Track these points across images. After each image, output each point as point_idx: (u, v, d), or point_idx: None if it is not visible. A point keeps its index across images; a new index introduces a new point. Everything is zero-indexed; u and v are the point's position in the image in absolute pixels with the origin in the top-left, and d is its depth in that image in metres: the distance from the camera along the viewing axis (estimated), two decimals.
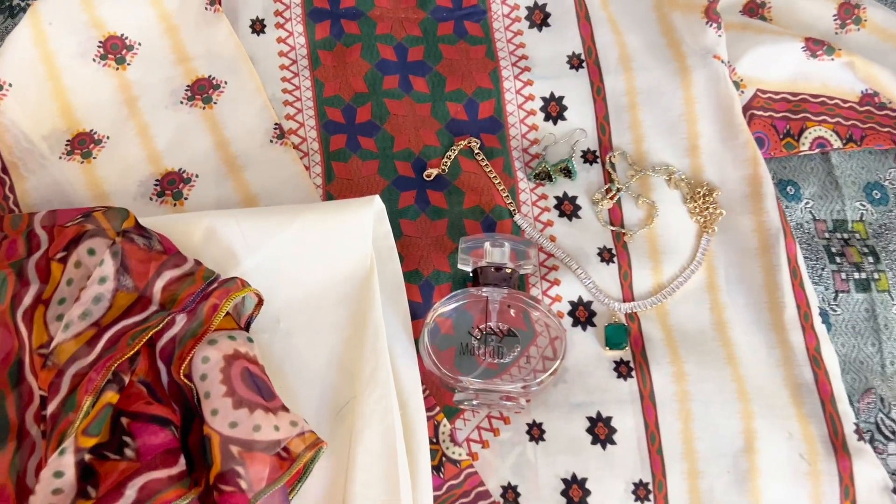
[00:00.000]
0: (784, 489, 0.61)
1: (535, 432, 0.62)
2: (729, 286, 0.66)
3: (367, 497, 0.57)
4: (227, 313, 0.60)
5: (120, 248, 0.59)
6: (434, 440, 0.62)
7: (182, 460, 0.54)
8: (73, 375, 0.54)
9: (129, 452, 0.53)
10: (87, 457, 0.52)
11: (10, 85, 0.68)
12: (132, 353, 0.54)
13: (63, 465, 0.52)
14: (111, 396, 0.53)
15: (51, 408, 0.54)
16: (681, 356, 0.64)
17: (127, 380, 0.55)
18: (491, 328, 0.62)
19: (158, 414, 0.55)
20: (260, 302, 0.61)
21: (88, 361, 0.54)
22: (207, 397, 0.55)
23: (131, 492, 0.51)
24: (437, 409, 0.62)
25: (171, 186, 0.68)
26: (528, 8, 0.77)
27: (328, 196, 0.69)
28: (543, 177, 0.69)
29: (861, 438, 0.61)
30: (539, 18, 0.76)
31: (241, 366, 0.56)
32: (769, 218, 0.67)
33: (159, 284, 0.58)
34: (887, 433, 0.63)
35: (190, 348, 0.56)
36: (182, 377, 0.56)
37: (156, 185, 0.68)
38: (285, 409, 0.56)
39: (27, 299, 0.59)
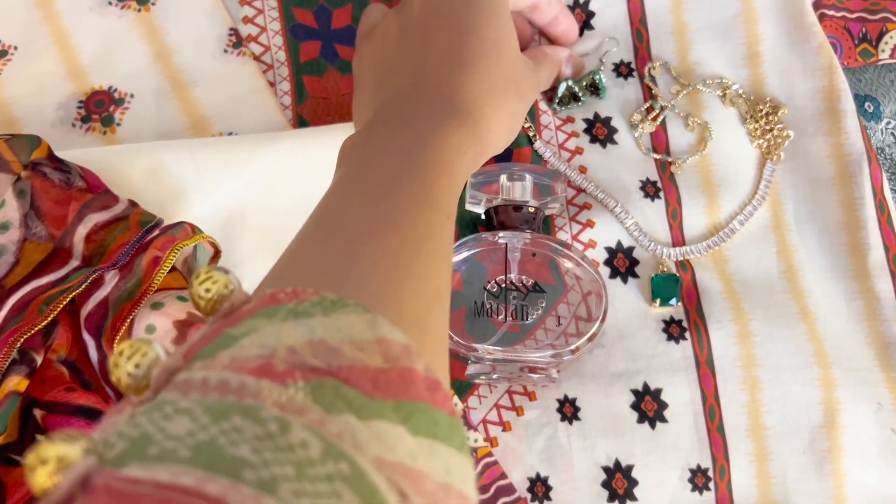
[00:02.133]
0: (873, 471, 0.50)
1: (568, 410, 0.50)
2: (799, 225, 0.54)
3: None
4: (174, 268, 0.47)
5: (28, 186, 0.45)
6: None
7: None
8: None
9: None
10: None
11: None
12: (46, 323, 0.41)
13: None
14: (17, 382, 0.40)
15: None
16: (744, 311, 0.52)
17: (40, 360, 0.41)
18: (511, 282, 0.50)
19: (84, 404, 0.41)
20: (216, 254, 0.48)
21: None
22: None
23: None
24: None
25: (100, 109, 0.54)
26: None
27: (299, 119, 0.55)
28: (567, 101, 0.56)
29: None
30: None
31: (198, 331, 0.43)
32: (849, 140, 0.54)
33: (82, 232, 0.44)
34: None
35: (126, 313, 0.42)
36: None
37: (79, 107, 0.54)
38: None
39: None
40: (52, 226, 0.44)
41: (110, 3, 0.56)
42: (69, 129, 0.54)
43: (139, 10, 0.56)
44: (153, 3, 0.56)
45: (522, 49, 0.50)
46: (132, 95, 0.55)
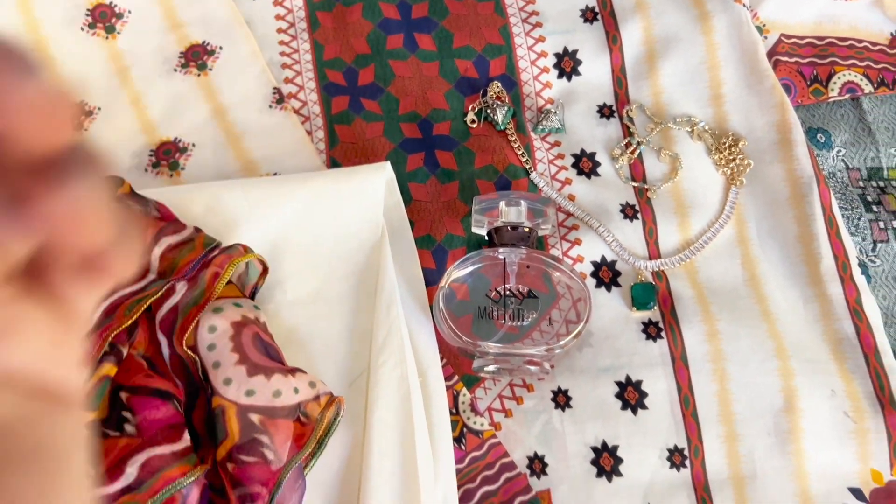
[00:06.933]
0: (829, 449, 0.57)
1: (561, 399, 0.59)
2: (761, 239, 0.63)
3: (384, 469, 0.53)
4: (231, 282, 0.57)
5: None
6: (454, 411, 0.58)
7: (186, 436, 0.50)
8: None
9: (129, 428, 0.49)
10: None
11: None
12: (130, 322, 0.51)
13: None
14: (108, 369, 0.50)
15: None
16: (713, 314, 0.60)
17: (125, 352, 0.51)
18: (509, 290, 0.59)
19: (160, 387, 0.51)
20: (265, 270, 0.58)
21: None
22: (217, 367, 0.51)
23: (132, 469, 0.47)
24: (456, 378, 0.59)
25: (167, 156, 0.65)
26: None
27: (332, 161, 0.65)
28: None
29: None
30: None
31: (252, 331, 0.53)
32: (800, 165, 0.63)
33: (157, 252, 0.54)
34: None
35: (193, 317, 0.52)
36: (185, 349, 0.52)
37: (151, 155, 0.65)
38: (302, 371, 0.52)
39: None
40: None
41: (175, 70, 0.67)
42: (142, 174, 0.64)
43: (199, 75, 0.67)
44: (210, 69, 0.68)
45: None
46: (194, 145, 0.65)
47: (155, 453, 0.48)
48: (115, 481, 0.47)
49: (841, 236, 0.61)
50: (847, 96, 0.67)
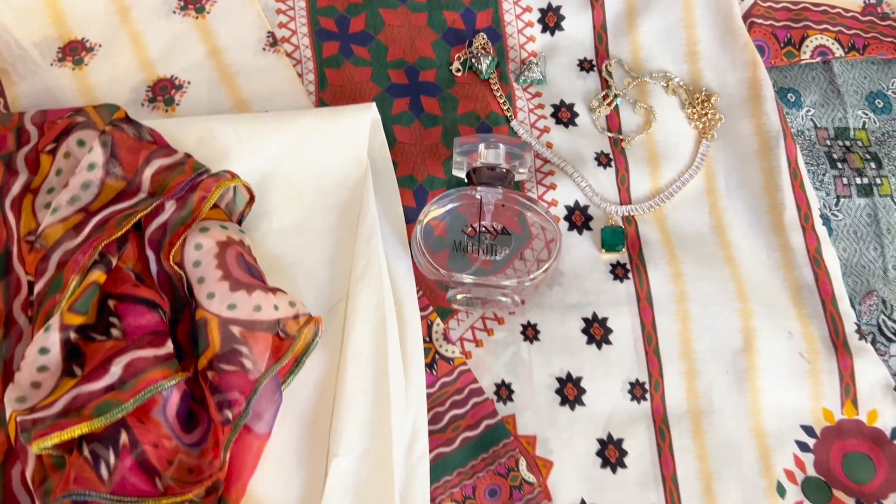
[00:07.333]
0: (783, 388, 0.60)
1: (530, 332, 0.61)
2: (729, 191, 0.65)
3: (357, 389, 0.56)
4: (217, 205, 0.59)
5: (110, 138, 0.58)
6: (427, 339, 0.61)
7: (170, 343, 0.53)
8: (59, 256, 0.53)
9: (115, 332, 0.52)
10: (73, 336, 0.52)
11: None
12: (120, 234, 0.54)
13: (48, 342, 0.51)
14: (98, 275, 0.53)
15: (37, 288, 0.53)
16: (678, 257, 0.63)
17: (114, 262, 0.54)
18: (484, 226, 0.61)
19: (147, 296, 0.54)
20: (251, 199, 0.61)
21: (76, 244, 0.54)
22: (201, 282, 0.54)
23: (116, 368, 0.50)
24: (431, 309, 0.62)
25: (163, 93, 0.68)
26: None
27: (321, 102, 0.68)
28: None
29: (862, 338, 0.60)
30: None
31: (236, 251, 0.56)
32: (769, 120, 0.66)
33: (148, 173, 0.57)
34: (889, 335, 0.62)
35: (180, 234, 0.55)
36: (172, 264, 0.55)
37: (147, 91, 0.68)
38: (283, 291, 0.55)
39: (15, 188, 0.58)
40: (126, 169, 0.57)
41: (174, 12, 0.70)
42: (139, 108, 0.67)
43: (196, 18, 0.70)
44: (208, 13, 0.70)
45: None
46: (189, 82, 0.68)
47: (139, 355, 0.51)
48: (100, 379, 0.50)
49: (805, 188, 0.64)
50: (818, 59, 0.70)
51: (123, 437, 0.49)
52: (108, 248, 0.54)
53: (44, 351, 0.51)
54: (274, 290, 0.55)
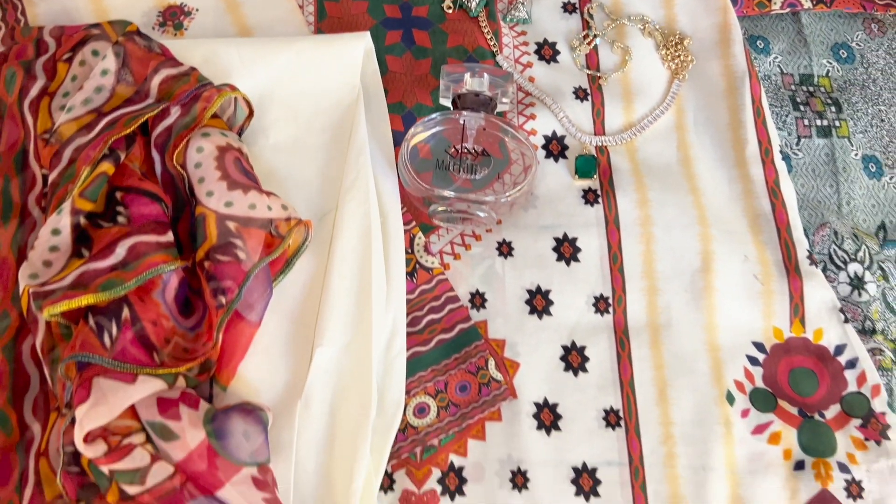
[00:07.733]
0: (737, 306, 0.64)
1: (505, 249, 0.66)
2: (696, 127, 0.70)
3: (342, 287, 0.61)
4: (217, 116, 0.64)
5: (122, 49, 0.63)
6: (409, 250, 0.65)
7: (170, 233, 0.58)
8: (72, 151, 0.58)
9: (121, 219, 0.57)
10: (82, 221, 0.56)
11: None
12: (128, 131, 0.58)
13: (60, 224, 0.56)
14: (107, 167, 0.57)
15: (51, 178, 0.58)
16: (646, 185, 0.67)
17: (122, 157, 0.59)
18: (466, 149, 0.66)
19: (151, 190, 0.59)
20: (251, 114, 0.65)
21: (87, 139, 0.58)
22: (201, 182, 0.59)
23: (121, 250, 0.55)
24: (413, 223, 0.66)
25: (173, 18, 0.72)
26: None
27: (319, 32, 0.72)
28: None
29: (813, 263, 0.65)
30: None
31: (234, 156, 0.60)
32: (736, 62, 0.70)
33: (156, 81, 0.62)
34: (839, 263, 0.66)
35: (183, 137, 0.60)
36: (175, 164, 0.60)
37: (158, 16, 0.72)
38: (276, 195, 0.60)
39: (34, 91, 0.63)
40: (136, 76, 0.62)
41: None
42: (150, 31, 0.71)
43: None
44: None
45: None
46: (197, 9, 0.73)
47: (142, 240, 0.56)
48: (106, 259, 0.54)
49: (766, 125, 0.68)
50: (787, 10, 0.74)
51: (125, 313, 0.54)
52: (117, 144, 0.59)
53: (56, 232, 0.56)
54: (268, 193, 0.60)
